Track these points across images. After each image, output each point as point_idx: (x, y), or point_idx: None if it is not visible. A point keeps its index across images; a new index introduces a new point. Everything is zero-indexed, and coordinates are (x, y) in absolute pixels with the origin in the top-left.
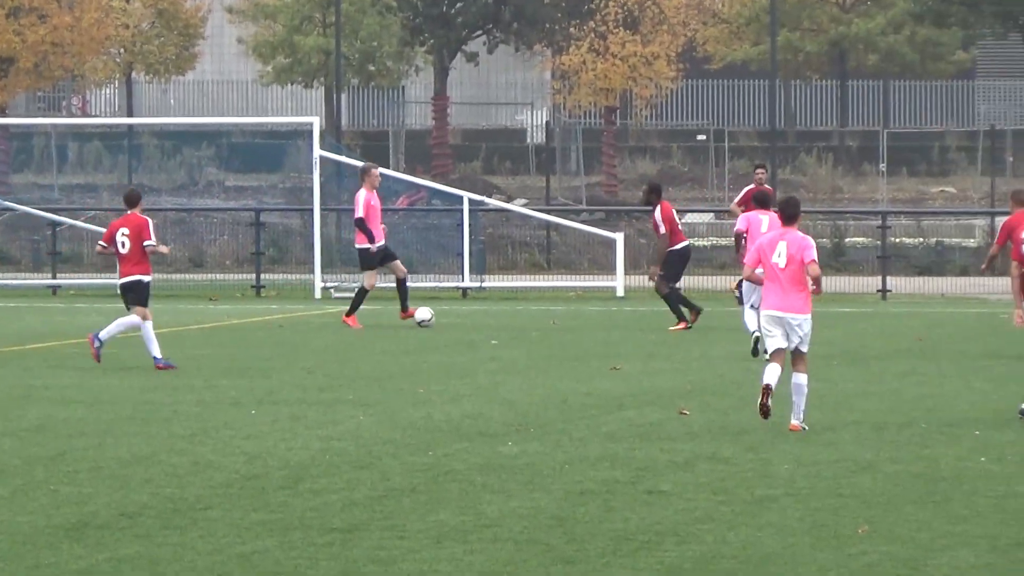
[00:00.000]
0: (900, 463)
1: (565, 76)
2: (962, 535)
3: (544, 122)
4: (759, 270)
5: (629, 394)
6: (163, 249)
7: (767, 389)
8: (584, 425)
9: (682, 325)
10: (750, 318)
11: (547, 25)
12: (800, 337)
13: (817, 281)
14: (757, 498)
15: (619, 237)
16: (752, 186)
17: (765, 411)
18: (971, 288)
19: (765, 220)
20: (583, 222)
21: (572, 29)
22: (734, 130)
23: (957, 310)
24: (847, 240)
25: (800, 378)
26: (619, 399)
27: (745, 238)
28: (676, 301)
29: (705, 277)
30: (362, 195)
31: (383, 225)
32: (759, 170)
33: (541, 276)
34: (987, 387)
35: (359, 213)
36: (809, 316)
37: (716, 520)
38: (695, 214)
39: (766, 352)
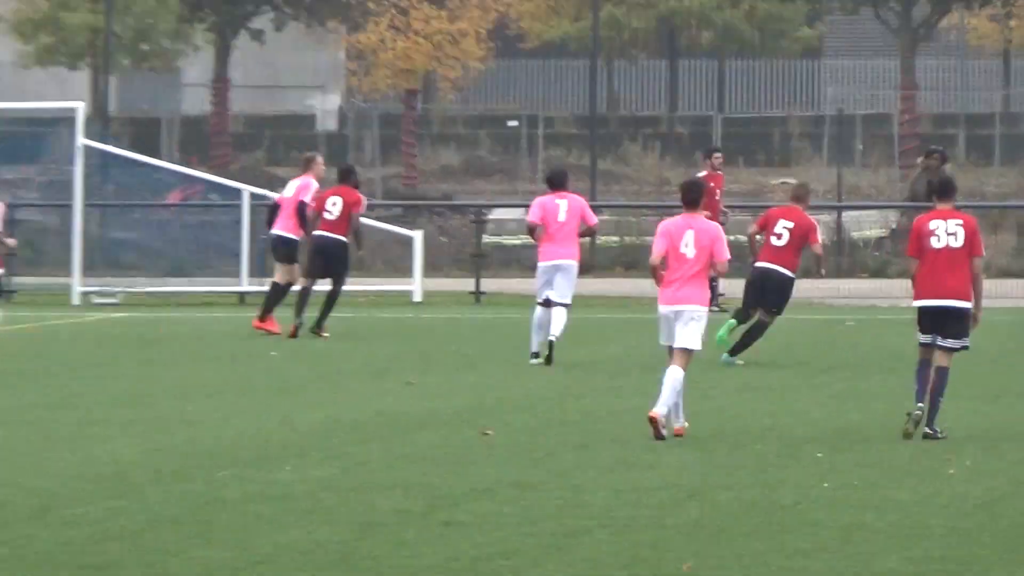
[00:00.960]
0: (732, 490)
1: (361, 56)
2: (802, 571)
3: (337, 107)
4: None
5: (425, 412)
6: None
7: (655, 420)
8: (374, 448)
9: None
10: (538, 319)
11: (342, 0)
12: (693, 331)
13: (719, 274)
14: (568, 530)
15: (417, 235)
16: (706, 172)
17: (659, 437)
18: (815, 292)
19: (563, 205)
20: (378, 218)
21: (370, 4)
22: (550, 115)
23: (796, 316)
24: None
25: (677, 372)
26: (414, 418)
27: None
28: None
29: (514, 280)
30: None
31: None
32: (716, 155)
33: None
34: (830, 403)
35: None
36: (707, 309)
37: (521, 555)
38: (504, 209)
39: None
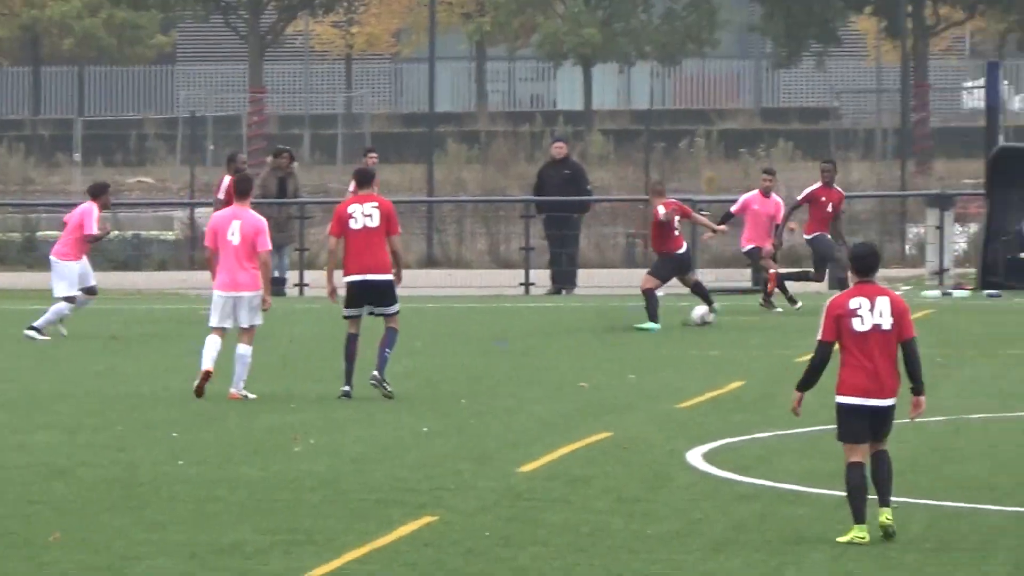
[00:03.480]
0: (96, 467)
1: None
2: (160, 543)
3: None
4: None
5: None
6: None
7: (207, 375)
8: None
9: None
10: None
11: None
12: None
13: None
14: None
15: None
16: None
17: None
18: (170, 283)
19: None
20: None
21: None
22: None
23: (156, 306)
24: (39, 234)
25: (244, 349)
26: None
27: None
28: None
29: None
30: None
31: None
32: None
33: None
34: (179, 382)
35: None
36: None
37: None
38: None
39: None
